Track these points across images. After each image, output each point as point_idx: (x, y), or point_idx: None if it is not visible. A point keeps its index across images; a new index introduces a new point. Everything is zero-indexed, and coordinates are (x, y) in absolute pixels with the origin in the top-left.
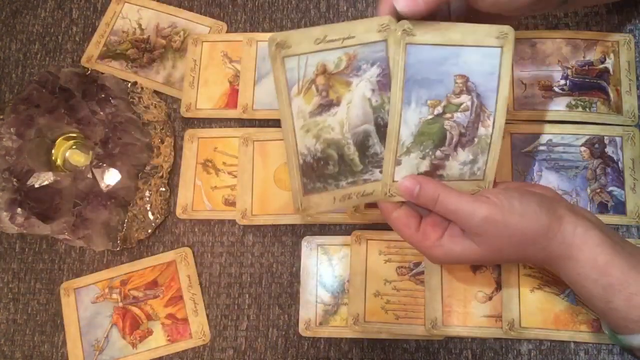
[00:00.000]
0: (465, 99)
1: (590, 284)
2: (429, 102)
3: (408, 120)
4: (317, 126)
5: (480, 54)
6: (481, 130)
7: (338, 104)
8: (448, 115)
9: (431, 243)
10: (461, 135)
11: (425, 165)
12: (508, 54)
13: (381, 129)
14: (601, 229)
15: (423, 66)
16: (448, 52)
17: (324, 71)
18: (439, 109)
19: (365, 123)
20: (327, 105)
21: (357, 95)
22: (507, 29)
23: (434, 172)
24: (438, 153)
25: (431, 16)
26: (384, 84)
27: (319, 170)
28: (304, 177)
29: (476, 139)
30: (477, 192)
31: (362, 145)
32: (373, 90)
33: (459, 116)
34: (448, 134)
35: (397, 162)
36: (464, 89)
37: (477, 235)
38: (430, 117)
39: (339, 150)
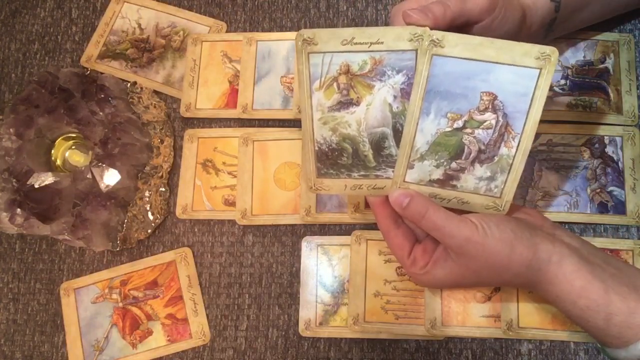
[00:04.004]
0: (489, 117)
1: (569, 305)
2: (449, 114)
3: (425, 130)
4: (334, 120)
5: (514, 74)
6: (503, 150)
7: (357, 103)
8: (468, 130)
9: (418, 270)
10: (480, 151)
11: (438, 174)
12: (547, 76)
13: (398, 134)
14: (579, 254)
15: (447, 79)
16: (478, 68)
17: (347, 71)
18: (458, 123)
19: (383, 126)
20: (346, 103)
21: (378, 99)
22: (549, 50)
23: (447, 181)
24: (453, 165)
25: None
26: (407, 92)
27: (333, 159)
28: (318, 162)
29: (496, 158)
30: (491, 208)
31: (378, 145)
32: (395, 97)
33: (480, 133)
34: (466, 148)
35: (410, 166)
36: (490, 107)
37: (458, 255)
38: (448, 129)
39: (354, 145)
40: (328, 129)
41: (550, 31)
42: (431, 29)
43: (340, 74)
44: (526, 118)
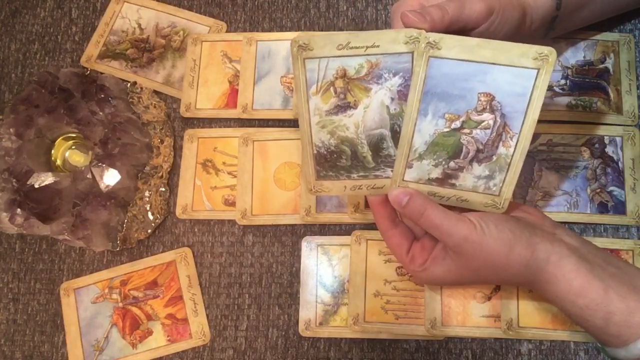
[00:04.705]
0: (487, 117)
1: (568, 304)
2: (446, 115)
3: (422, 130)
4: (332, 124)
5: (511, 74)
6: (501, 150)
7: (355, 106)
8: (466, 130)
9: (416, 267)
10: (478, 151)
11: (437, 173)
12: (545, 76)
13: (396, 135)
14: (578, 254)
15: (445, 80)
16: (475, 69)
17: (343, 75)
18: (456, 123)
19: (381, 127)
20: (343, 107)
21: (375, 102)
22: (547, 50)
23: (445, 180)
24: (452, 164)
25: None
26: (404, 94)
27: (331, 161)
28: (317, 165)
29: (494, 157)
30: (491, 205)
31: (376, 146)
32: (392, 99)
33: (478, 133)
34: (464, 148)
35: (409, 165)
36: (487, 107)
37: (457, 254)
38: (446, 129)
39: (353, 147)
40: (326, 132)
41: (551, 29)
42: (427, 32)
43: (337, 78)
44: (524, 118)
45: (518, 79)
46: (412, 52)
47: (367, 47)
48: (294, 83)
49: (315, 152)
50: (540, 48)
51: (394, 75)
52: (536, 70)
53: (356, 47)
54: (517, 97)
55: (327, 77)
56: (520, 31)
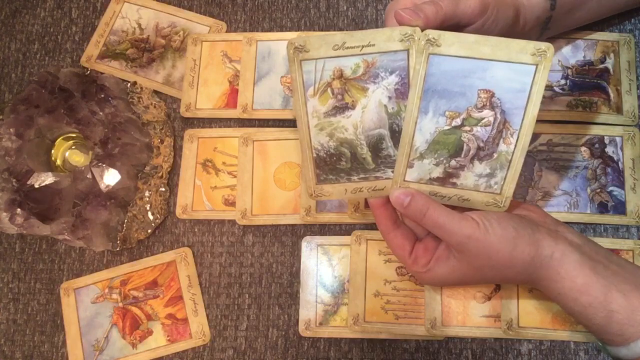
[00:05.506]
0: (487, 114)
1: (570, 302)
2: (447, 113)
3: (423, 129)
4: (331, 126)
5: (510, 70)
6: (502, 147)
7: (353, 107)
8: (467, 128)
9: (420, 268)
10: (479, 148)
11: (438, 172)
12: (544, 72)
13: (396, 134)
14: (581, 251)
15: (444, 77)
16: (474, 66)
17: (340, 76)
18: (457, 121)
19: (379, 127)
20: (341, 108)
21: (373, 101)
22: (545, 46)
23: (447, 179)
24: (453, 162)
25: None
26: (401, 92)
27: (331, 164)
28: (317, 169)
29: (495, 154)
30: (492, 204)
31: (376, 147)
32: (390, 98)
33: (478, 130)
34: (465, 146)
35: (410, 165)
36: (487, 104)
37: (460, 252)
38: (447, 127)
39: (352, 149)
40: (325, 134)
41: (545, 30)
42: (422, 29)
43: (334, 79)
44: (524, 114)
45: (517, 75)
46: (408, 50)
47: (363, 47)
48: (291, 86)
49: (314, 155)
50: (538, 44)
51: (391, 73)
52: (534, 66)
53: (352, 47)
54: (516, 93)
55: (324, 78)
56: (514, 31)
